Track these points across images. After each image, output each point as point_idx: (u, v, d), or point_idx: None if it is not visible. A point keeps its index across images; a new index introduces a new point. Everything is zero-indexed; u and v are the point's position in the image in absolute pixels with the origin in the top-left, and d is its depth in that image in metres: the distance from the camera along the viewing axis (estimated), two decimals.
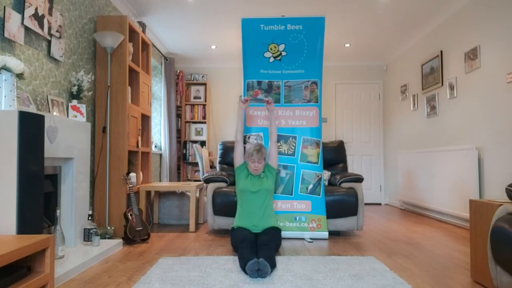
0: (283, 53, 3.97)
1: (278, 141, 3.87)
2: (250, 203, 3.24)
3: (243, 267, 2.42)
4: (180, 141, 6.83)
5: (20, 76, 2.27)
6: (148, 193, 4.51)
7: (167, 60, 6.15)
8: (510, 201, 2.12)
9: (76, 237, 2.96)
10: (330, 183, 4.17)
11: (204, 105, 6.89)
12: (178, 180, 6.74)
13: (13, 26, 2.56)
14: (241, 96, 6.91)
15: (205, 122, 6.88)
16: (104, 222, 3.69)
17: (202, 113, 6.87)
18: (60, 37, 3.16)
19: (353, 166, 6.99)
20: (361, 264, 2.68)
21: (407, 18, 4.99)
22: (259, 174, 3.35)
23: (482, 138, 4.02)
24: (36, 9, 2.78)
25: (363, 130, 7.03)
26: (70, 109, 3.13)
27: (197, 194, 4.64)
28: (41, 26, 2.86)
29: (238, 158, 3.40)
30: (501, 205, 2.02)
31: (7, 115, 2.10)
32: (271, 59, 3.97)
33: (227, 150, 4.42)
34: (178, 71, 6.82)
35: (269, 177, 3.37)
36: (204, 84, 6.92)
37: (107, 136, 3.74)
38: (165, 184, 4.34)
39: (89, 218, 3.07)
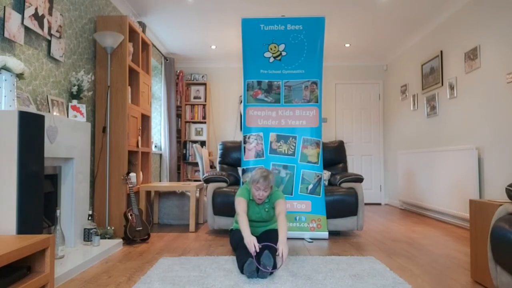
0: (283, 53, 3.97)
1: (278, 141, 3.88)
2: (249, 219, 3.01)
3: (240, 268, 2.42)
4: (180, 141, 6.83)
5: (20, 76, 2.27)
6: (148, 193, 4.51)
7: (167, 60, 6.15)
8: (510, 201, 2.11)
9: (76, 237, 2.96)
10: (330, 183, 4.17)
11: (204, 105, 6.88)
12: (178, 180, 6.74)
13: (13, 26, 2.56)
14: (241, 96, 6.90)
15: (205, 122, 6.88)
16: (104, 222, 3.69)
17: (202, 113, 6.87)
18: (60, 37, 3.16)
19: (353, 166, 6.99)
20: (361, 264, 2.67)
21: (407, 18, 4.99)
22: (264, 206, 3.05)
23: (482, 138, 4.02)
24: (36, 9, 2.78)
25: (363, 130, 7.02)
26: (70, 109, 3.13)
27: (197, 194, 4.64)
28: (41, 26, 2.86)
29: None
30: (501, 205, 2.02)
31: (7, 115, 2.10)
32: (271, 59, 3.97)
33: (227, 150, 4.42)
34: (178, 71, 6.82)
35: (272, 211, 3.06)
36: (204, 84, 6.91)
37: (107, 136, 3.74)
38: (165, 184, 4.34)
39: (89, 218, 3.06)
